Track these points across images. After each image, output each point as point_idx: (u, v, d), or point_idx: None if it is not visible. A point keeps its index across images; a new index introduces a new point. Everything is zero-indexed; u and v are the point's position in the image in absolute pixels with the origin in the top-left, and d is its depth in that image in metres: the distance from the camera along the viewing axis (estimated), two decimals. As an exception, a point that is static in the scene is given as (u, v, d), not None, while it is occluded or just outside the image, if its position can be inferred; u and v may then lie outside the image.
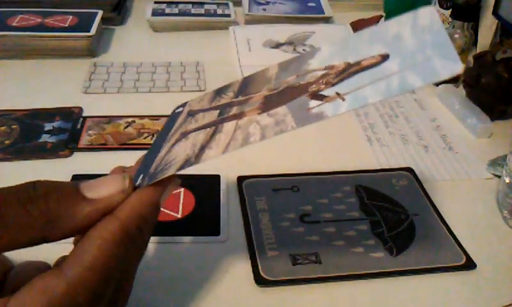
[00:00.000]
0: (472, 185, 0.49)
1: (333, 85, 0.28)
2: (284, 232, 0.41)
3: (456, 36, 0.64)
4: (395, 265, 0.39)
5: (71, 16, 0.73)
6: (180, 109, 0.36)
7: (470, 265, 0.39)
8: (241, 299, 0.36)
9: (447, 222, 0.43)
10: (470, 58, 0.64)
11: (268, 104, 0.30)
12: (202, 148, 0.30)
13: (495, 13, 0.65)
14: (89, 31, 0.69)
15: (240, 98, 0.32)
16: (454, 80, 0.65)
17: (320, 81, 0.29)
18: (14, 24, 0.69)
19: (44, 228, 0.26)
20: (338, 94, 0.28)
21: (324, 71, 0.30)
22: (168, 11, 0.81)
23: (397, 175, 0.49)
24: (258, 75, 0.33)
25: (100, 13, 0.74)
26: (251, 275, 0.37)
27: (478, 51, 0.69)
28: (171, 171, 0.28)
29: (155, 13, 0.80)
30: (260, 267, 0.38)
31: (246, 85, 0.33)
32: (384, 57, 0.28)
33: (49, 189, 0.26)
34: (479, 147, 0.55)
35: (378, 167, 0.50)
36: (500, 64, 0.58)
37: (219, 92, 0.34)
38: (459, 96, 0.61)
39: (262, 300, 0.36)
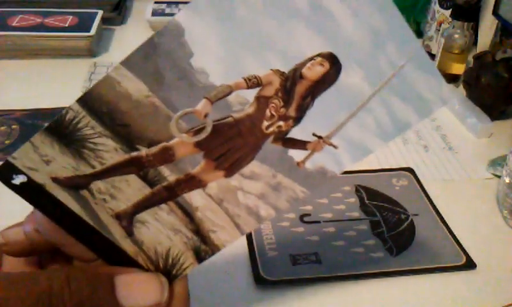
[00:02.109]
0: (472, 185, 0.49)
1: (295, 121, 0.24)
2: (284, 232, 0.41)
3: (456, 36, 0.64)
4: (395, 265, 0.39)
5: (71, 16, 0.73)
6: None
7: (470, 265, 0.39)
8: (241, 299, 0.36)
9: (447, 222, 0.43)
10: (470, 58, 0.64)
11: (220, 159, 0.25)
12: (203, 237, 0.26)
13: (495, 13, 0.65)
14: (89, 31, 0.69)
15: (152, 151, 0.25)
16: (454, 80, 0.65)
17: (269, 115, 0.24)
18: (14, 24, 0.69)
19: None
20: (320, 138, 0.24)
21: (254, 93, 0.24)
22: (168, 11, 0.81)
23: (397, 175, 0.49)
24: (122, 109, 0.24)
25: (100, 13, 0.74)
26: (251, 275, 0.37)
27: (478, 51, 0.69)
28: (186, 271, 0.26)
29: (155, 13, 0.80)
30: (260, 267, 0.38)
31: (121, 132, 0.25)
32: (332, 60, 0.23)
33: (83, 298, 0.23)
34: (479, 147, 0.55)
35: (378, 167, 0.50)
36: (500, 64, 0.58)
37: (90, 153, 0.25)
38: (459, 96, 0.61)
39: (262, 300, 0.36)
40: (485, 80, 0.58)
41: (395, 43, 0.24)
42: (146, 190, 0.25)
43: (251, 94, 0.24)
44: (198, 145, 0.24)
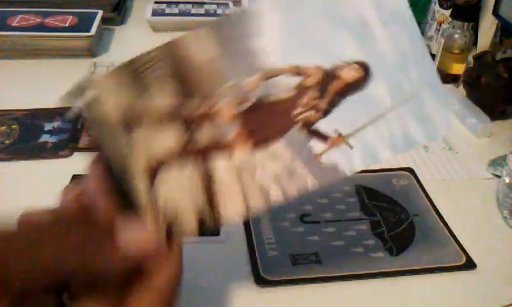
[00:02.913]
0: (472, 185, 0.49)
1: (324, 113, 0.27)
2: (284, 232, 0.41)
3: (456, 36, 0.64)
4: (395, 265, 0.39)
5: (71, 16, 0.73)
6: None
7: (470, 265, 0.39)
8: (241, 299, 0.36)
9: (447, 222, 0.43)
10: (470, 58, 0.64)
11: (253, 132, 0.27)
12: (211, 210, 0.27)
13: (495, 13, 0.65)
14: (89, 31, 0.69)
15: (199, 108, 0.27)
16: (454, 80, 0.65)
17: (304, 103, 0.27)
18: (14, 24, 0.69)
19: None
20: (340, 135, 0.27)
21: (297, 80, 0.27)
22: (168, 11, 0.81)
23: (397, 175, 0.49)
24: (192, 63, 0.28)
25: (100, 13, 0.74)
26: (251, 275, 0.37)
27: (478, 51, 0.69)
28: (187, 233, 0.27)
29: (155, 13, 0.80)
30: (260, 267, 0.38)
31: (184, 80, 0.28)
32: (365, 69, 0.28)
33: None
34: (479, 147, 0.55)
35: (378, 167, 0.50)
36: (500, 64, 0.58)
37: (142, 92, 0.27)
38: (459, 96, 0.61)
39: (262, 300, 0.36)
40: (485, 80, 0.58)
41: (418, 67, 0.29)
42: (179, 146, 0.27)
43: (294, 80, 0.27)
44: (238, 115, 0.27)
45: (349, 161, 0.27)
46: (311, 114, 0.27)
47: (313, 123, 0.27)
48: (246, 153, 0.27)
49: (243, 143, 0.27)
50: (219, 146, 0.27)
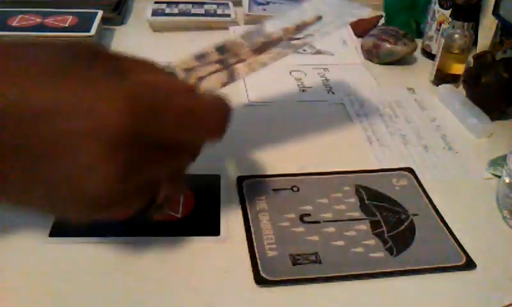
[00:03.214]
0: (472, 185, 0.49)
1: (297, 34, 0.48)
2: (284, 232, 0.41)
3: (456, 36, 0.64)
4: (395, 265, 0.39)
5: (71, 16, 0.73)
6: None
7: (470, 265, 0.39)
8: (241, 299, 0.36)
9: (447, 222, 0.43)
10: (470, 58, 0.64)
11: (259, 51, 0.46)
12: (231, 77, 0.45)
13: (495, 13, 0.65)
14: (89, 31, 0.69)
15: (229, 55, 0.46)
16: (454, 80, 0.65)
17: (286, 34, 0.48)
18: (14, 24, 0.69)
19: None
20: (307, 35, 0.47)
21: (282, 32, 0.48)
22: (168, 11, 0.81)
23: (397, 175, 0.49)
24: (228, 42, 0.48)
25: (100, 13, 0.74)
26: (251, 275, 0.37)
27: (478, 51, 0.69)
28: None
29: (155, 13, 0.80)
30: (260, 267, 0.38)
31: (223, 49, 0.47)
32: (319, 17, 0.48)
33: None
34: (479, 147, 0.55)
35: (378, 167, 0.50)
36: (500, 64, 0.58)
37: (201, 56, 0.46)
38: (459, 96, 0.61)
39: (262, 300, 0.36)
40: (485, 80, 0.58)
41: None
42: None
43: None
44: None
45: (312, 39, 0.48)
46: (290, 36, 0.48)
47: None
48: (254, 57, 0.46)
49: (253, 56, 0.46)
50: (240, 61, 0.46)
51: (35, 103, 0.24)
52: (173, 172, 0.31)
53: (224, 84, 0.44)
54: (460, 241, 0.41)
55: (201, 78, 0.44)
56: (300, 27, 0.47)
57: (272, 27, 0.49)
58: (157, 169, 0.29)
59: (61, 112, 0.24)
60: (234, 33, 0.49)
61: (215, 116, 0.30)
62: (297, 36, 0.47)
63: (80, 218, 0.29)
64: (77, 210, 0.28)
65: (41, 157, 0.25)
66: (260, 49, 0.46)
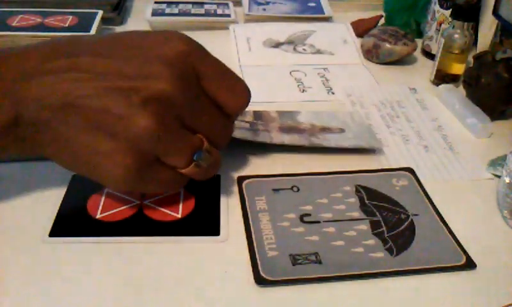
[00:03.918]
0: (472, 185, 0.49)
1: (319, 134, 0.53)
2: (284, 232, 0.41)
3: (456, 36, 0.64)
4: (395, 265, 0.39)
5: (71, 16, 0.73)
6: None
7: (470, 265, 0.39)
8: (241, 299, 0.36)
9: (447, 222, 0.43)
10: (470, 58, 0.64)
11: (284, 131, 0.53)
12: (253, 135, 0.51)
13: (495, 13, 0.65)
14: (89, 31, 0.69)
15: (260, 122, 0.54)
16: (454, 80, 0.65)
17: (311, 130, 0.54)
18: (14, 24, 0.70)
19: None
20: (325, 138, 0.52)
21: (310, 126, 0.54)
22: (168, 11, 0.81)
23: (397, 175, 0.49)
24: (265, 112, 0.56)
25: (100, 13, 0.74)
26: (251, 275, 0.37)
27: (478, 51, 0.69)
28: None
29: (155, 13, 0.80)
30: (260, 267, 0.38)
31: (260, 116, 0.55)
32: (342, 130, 0.54)
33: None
34: (479, 147, 0.55)
35: (378, 167, 0.50)
36: (500, 64, 0.58)
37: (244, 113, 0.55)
38: (459, 96, 0.61)
39: (262, 300, 0.36)
40: (485, 80, 0.58)
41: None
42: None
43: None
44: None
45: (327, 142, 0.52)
46: (314, 132, 0.54)
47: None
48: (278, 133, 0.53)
49: (279, 132, 0.53)
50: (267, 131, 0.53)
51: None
52: (209, 126, 0.40)
53: (244, 140, 0.49)
54: (460, 241, 0.41)
55: None
56: (325, 129, 0.53)
57: (304, 118, 0.56)
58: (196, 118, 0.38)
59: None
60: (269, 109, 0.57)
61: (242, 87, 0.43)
62: (319, 136, 0.52)
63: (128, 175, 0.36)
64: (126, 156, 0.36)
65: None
66: (285, 129, 0.53)
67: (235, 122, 0.47)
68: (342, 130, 0.53)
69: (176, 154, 0.37)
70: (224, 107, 0.40)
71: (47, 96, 0.35)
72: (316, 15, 0.84)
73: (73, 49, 0.37)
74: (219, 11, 0.82)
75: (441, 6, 0.71)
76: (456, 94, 0.62)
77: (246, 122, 0.53)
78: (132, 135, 0.35)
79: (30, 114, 0.36)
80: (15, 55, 0.37)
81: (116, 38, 0.39)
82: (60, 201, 0.43)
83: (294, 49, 0.74)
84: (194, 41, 0.39)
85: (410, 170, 0.50)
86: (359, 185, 0.47)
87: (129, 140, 0.35)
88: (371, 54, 0.72)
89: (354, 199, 0.45)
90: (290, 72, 0.68)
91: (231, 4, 0.85)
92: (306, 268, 0.38)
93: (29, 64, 0.36)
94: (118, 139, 0.35)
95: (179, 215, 0.42)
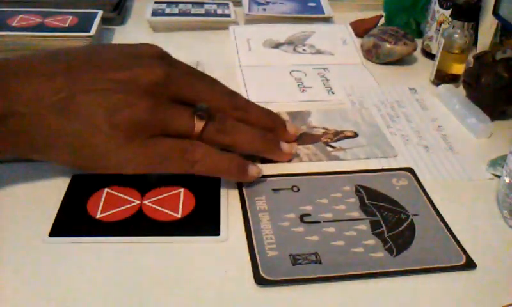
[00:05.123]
0: (472, 185, 0.49)
1: (334, 141, 0.53)
2: (284, 232, 0.41)
3: (456, 36, 0.64)
4: (395, 265, 0.39)
5: (71, 16, 0.73)
6: None
7: (470, 265, 0.39)
8: (241, 299, 0.36)
9: (447, 222, 0.43)
10: (470, 58, 0.64)
11: (299, 140, 0.52)
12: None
13: (495, 13, 0.65)
14: (89, 31, 0.69)
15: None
16: (454, 80, 0.65)
17: (325, 136, 0.54)
18: (14, 24, 0.69)
19: None
20: (341, 148, 0.52)
21: (323, 130, 0.55)
22: (168, 11, 0.81)
23: (397, 175, 0.49)
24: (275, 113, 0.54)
25: (100, 13, 0.74)
26: (251, 275, 0.37)
27: (478, 51, 0.69)
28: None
29: (155, 13, 0.80)
30: (260, 267, 0.38)
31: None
32: (356, 134, 0.55)
33: None
34: (479, 147, 0.55)
35: (378, 167, 0.50)
36: (500, 64, 0.58)
37: None
38: (459, 96, 0.61)
39: (262, 300, 0.36)
40: (485, 80, 0.58)
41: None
42: None
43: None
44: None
45: (343, 156, 0.52)
46: (328, 140, 0.53)
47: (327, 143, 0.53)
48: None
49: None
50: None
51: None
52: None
53: (262, 159, 0.49)
54: (460, 241, 0.41)
55: None
56: (338, 134, 0.54)
57: (315, 121, 0.56)
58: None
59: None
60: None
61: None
62: (333, 144, 0.52)
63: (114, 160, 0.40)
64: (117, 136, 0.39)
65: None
66: (300, 138, 0.52)
67: None
68: (355, 134, 0.54)
69: (175, 118, 0.41)
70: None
71: (42, 90, 0.37)
72: (316, 15, 0.84)
73: (67, 56, 0.41)
74: (219, 11, 0.82)
75: (441, 6, 0.71)
76: (456, 94, 0.62)
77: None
78: (135, 118, 0.39)
79: (21, 108, 0.37)
80: (9, 60, 0.40)
81: (98, 47, 0.46)
82: (60, 201, 0.43)
83: (294, 50, 0.74)
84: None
85: (410, 170, 0.50)
86: (359, 185, 0.47)
87: (132, 123, 0.39)
88: (371, 54, 0.72)
89: (354, 199, 0.45)
90: (290, 72, 0.68)
91: (231, 4, 0.85)
92: (306, 268, 0.38)
93: (24, 65, 0.39)
94: (119, 127, 0.39)
95: (179, 215, 0.42)
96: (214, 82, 0.46)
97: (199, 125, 0.41)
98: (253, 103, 0.48)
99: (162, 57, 0.44)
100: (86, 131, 0.38)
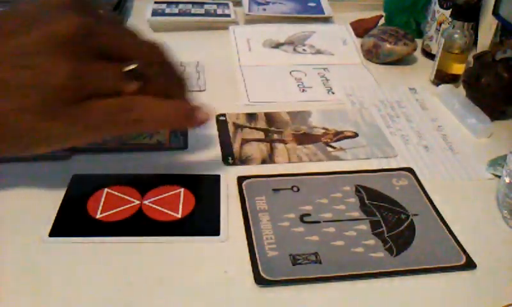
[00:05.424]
0: (472, 185, 0.49)
1: (334, 141, 0.53)
2: (284, 232, 0.41)
3: (456, 36, 0.64)
4: (395, 265, 0.39)
5: (71, 16, 0.73)
6: (223, 118, 0.55)
7: (470, 265, 0.39)
8: (241, 299, 0.36)
9: (447, 222, 0.43)
10: (470, 58, 0.64)
11: (299, 140, 0.53)
12: (270, 155, 0.51)
13: (495, 13, 0.65)
14: (89, 31, 0.69)
15: (274, 129, 0.54)
16: (454, 80, 0.65)
17: (325, 136, 0.54)
18: (14, 24, 0.69)
19: None
20: (341, 148, 0.52)
21: (323, 130, 0.55)
22: (168, 11, 0.81)
23: (397, 175, 0.49)
24: (275, 113, 0.57)
25: (100, 13, 0.74)
26: (251, 275, 0.37)
27: (478, 51, 0.69)
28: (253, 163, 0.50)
29: (155, 13, 0.80)
30: (260, 267, 0.38)
31: (271, 117, 0.56)
32: (356, 134, 0.55)
33: None
34: (479, 147, 0.55)
35: (378, 167, 0.50)
36: (500, 64, 0.58)
37: (252, 115, 0.56)
38: (459, 96, 0.61)
39: (262, 300, 0.36)
40: (485, 80, 0.58)
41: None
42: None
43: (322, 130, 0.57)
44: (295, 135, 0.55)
45: (344, 156, 0.52)
46: (328, 140, 0.53)
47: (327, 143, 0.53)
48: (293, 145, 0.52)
49: (293, 142, 0.53)
50: (281, 141, 0.53)
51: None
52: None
53: (263, 160, 0.50)
54: (460, 241, 0.41)
55: (246, 141, 0.52)
56: (338, 134, 0.54)
57: (316, 121, 0.56)
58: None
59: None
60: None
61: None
62: (333, 144, 0.52)
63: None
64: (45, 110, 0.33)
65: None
66: (300, 138, 0.53)
67: (248, 132, 0.53)
68: (355, 135, 0.54)
69: (102, 79, 0.35)
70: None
71: None
72: (316, 15, 0.84)
73: None
74: (219, 11, 0.82)
75: (441, 6, 0.71)
76: (455, 94, 0.62)
77: (260, 130, 0.53)
78: (54, 90, 0.33)
79: None
80: None
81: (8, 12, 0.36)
82: (60, 201, 0.43)
83: (294, 50, 0.74)
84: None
85: (410, 170, 0.50)
86: (359, 185, 0.47)
87: (51, 96, 0.33)
88: (371, 54, 0.72)
89: (354, 199, 0.45)
90: (290, 72, 0.68)
91: (231, 4, 0.85)
92: (306, 268, 0.38)
93: None
94: (40, 94, 0.33)
95: (179, 215, 0.42)
96: (137, 35, 0.40)
97: (131, 87, 0.36)
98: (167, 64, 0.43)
99: (74, 4, 0.36)
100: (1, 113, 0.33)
